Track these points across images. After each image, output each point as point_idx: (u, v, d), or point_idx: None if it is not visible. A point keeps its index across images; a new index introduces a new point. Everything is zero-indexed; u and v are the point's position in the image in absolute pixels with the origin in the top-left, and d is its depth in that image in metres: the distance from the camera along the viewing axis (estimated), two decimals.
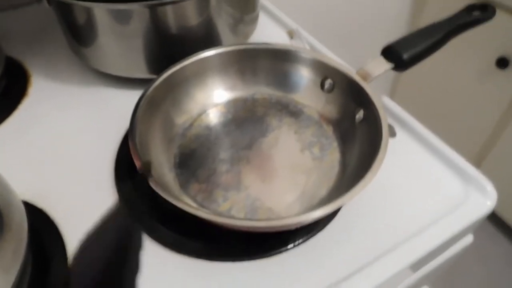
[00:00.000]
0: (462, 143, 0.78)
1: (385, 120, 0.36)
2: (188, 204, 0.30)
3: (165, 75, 0.40)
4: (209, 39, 0.49)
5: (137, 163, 0.33)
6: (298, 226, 0.33)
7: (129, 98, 0.48)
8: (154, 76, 0.47)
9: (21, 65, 0.54)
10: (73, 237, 0.36)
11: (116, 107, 0.48)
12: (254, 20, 0.55)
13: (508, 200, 1.01)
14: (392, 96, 1.32)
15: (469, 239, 0.42)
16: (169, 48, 0.47)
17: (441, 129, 0.47)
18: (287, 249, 0.35)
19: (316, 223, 0.36)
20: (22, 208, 0.32)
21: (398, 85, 1.31)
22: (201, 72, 0.43)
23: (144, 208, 0.37)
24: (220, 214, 0.35)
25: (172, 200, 0.30)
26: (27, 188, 0.39)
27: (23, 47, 0.56)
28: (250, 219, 0.34)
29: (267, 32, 0.58)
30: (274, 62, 0.44)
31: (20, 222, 0.30)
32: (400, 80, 1.29)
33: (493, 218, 1.21)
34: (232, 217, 0.35)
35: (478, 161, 1.16)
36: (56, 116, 0.47)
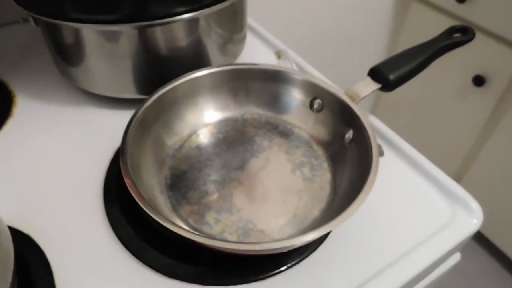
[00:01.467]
0: (441, 160, 0.80)
1: (375, 141, 0.36)
2: (181, 227, 0.30)
3: (156, 95, 0.40)
4: (198, 59, 0.49)
5: (129, 185, 0.33)
6: (291, 248, 0.33)
7: (117, 118, 0.48)
8: (142, 97, 0.47)
9: (5, 85, 0.53)
10: (61, 264, 0.35)
11: (103, 128, 0.48)
12: (242, 40, 0.55)
13: (488, 217, 1.03)
14: (373, 112, 1.35)
15: (456, 257, 0.43)
16: (158, 68, 0.47)
17: (421, 146, 0.48)
18: (281, 271, 0.35)
19: (308, 245, 0.36)
20: (8, 234, 0.31)
21: (379, 103, 1.34)
22: (192, 93, 0.43)
23: (134, 231, 0.37)
24: (213, 237, 0.35)
25: (166, 223, 0.30)
26: (12, 213, 0.38)
27: (7, 67, 0.56)
28: (243, 242, 0.34)
29: (255, 52, 0.58)
30: (264, 83, 0.44)
31: (6, 249, 0.29)
32: (381, 98, 1.31)
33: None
34: (226, 240, 0.34)
35: (457, 178, 1.19)
36: (42, 138, 0.47)
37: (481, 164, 1.12)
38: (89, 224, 0.38)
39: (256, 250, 0.30)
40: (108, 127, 0.48)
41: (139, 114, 0.38)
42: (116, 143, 0.44)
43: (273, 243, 0.29)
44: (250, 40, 0.61)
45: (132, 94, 0.48)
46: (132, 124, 0.37)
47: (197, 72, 0.42)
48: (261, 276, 0.34)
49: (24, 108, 0.50)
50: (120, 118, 0.45)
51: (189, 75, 0.42)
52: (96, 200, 0.40)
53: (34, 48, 0.59)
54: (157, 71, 0.47)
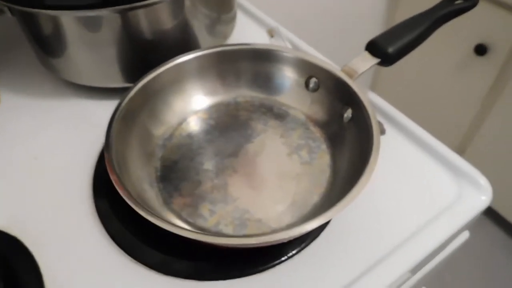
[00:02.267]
0: (443, 133, 0.78)
1: (375, 120, 0.34)
2: (171, 223, 0.28)
3: (140, 84, 0.38)
4: (186, 42, 0.47)
5: (115, 181, 0.31)
6: (291, 239, 0.31)
7: (105, 109, 0.46)
8: (130, 85, 0.45)
9: None
10: (51, 265, 0.34)
11: (91, 120, 0.46)
12: (232, 19, 0.52)
13: (494, 189, 1.01)
14: (372, 89, 1.32)
15: (465, 235, 0.41)
16: (143, 54, 0.44)
17: (421, 119, 0.45)
18: (281, 262, 0.33)
19: (309, 232, 0.34)
20: None
21: (377, 78, 1.30)
22: (178, 79, 0.40)
23: (125, 227, 0.35)
24: (207, 230, 0.33)
25: (154, 219, 0.28)
26: None
27: None
28: (238, 236, 0.32)
29: (246, 32, 0.56)
30: (255, 63, 0.42)
31: None
32: (379, 72, 1.28)
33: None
34: (220, 235, 0.33)
35: (461, 151, 1.16)
36: (28, 134, 0.44)
37: (484, 135, 1.09)
38: (79, 222, 0.36)
39: (254, 244, 0.29)
40: (95, 119, 0.45)
41: (122, 105, 0.36)
42: (104, 134, 0.42)
43: (270, 235, 0.27)
44: (241, 20, 0.58)
45: (119, 83, 0.46)
46: (116, 117, 0.35)
47: (182, 56, 0.40)
48: (261, 268, 0.33)
49: (8, 104, 0.48)
50: (108, 109, 0.43)
51: (173, 60, 0.39)
52: (85, 197, 0.38)
53: (14, 40, 0.56)
54: (143, 57, 0.44)
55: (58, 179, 0.40)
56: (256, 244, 0.28)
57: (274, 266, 0.33)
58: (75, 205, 0.38)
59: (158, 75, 0.39)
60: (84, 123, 0.45)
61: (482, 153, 1.11)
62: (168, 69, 0.39)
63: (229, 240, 0.28)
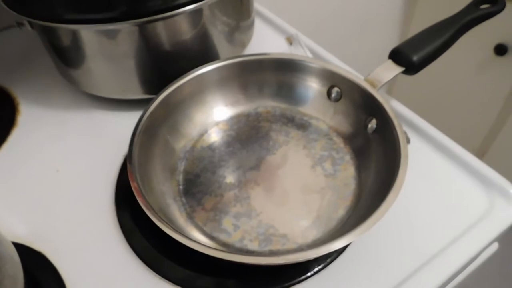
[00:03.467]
0: (463, 135, 0.76)
1: (401, 132, 0.33)
2: (195, 240, 0.28)
3: (161, 97, 0.37)
4: (205, 52, 0.46)
5: (138, 197, 0.30)
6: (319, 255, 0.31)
7: (125, 120, 0.46)
8: (149, 96, 0.45)
9: (7, 92, 0.51)
10: (75, 280, 0.33)
11: (111, 131, 0.46)
12: (250, 27, 0.52)
13: None
14: (389, 92, 1.30)
15: (493, 247, 0.40)
16: (162, 66, 0.44)
17: (441, 122, 0.44)
18: (307, 277, 0.32)
19: None
20: (16, 256, 0.29)
21: (395, 80, 1.28)
22: (198, 90, 0.40)
23: (148, 241, 0.35)
24: (231, 245, 0.33)
25: (177, 236, 0.28)
26: (21, 228, 0.37)
27: (8, 73, 0.53)
28: (266, 256, 0.31)
29: (264, 39, 0.55)
30: (276, 73, 0.41)
31: (14, 275, 0.28)
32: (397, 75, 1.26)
33: None
34: (246, 254, 0.32)
35: (481, 154, 1.14)
36: (48, 146, 0.45)
37: (506, 137, 1.07)
38: (102, 236, 0.36)
39: (282, 263, 0.28)
40: (115, 130, 0.45)
41: (144, 119, 0.36)
42: (125, 146, 0.42)
43: (299, 254, 0.27)
44: (259, 27, 0.57)
45: (138, 95, 0.46)
46: (138, 130, 0.35)
47: (203, 68, 0.40)
48: (287, 285, 0.32)
49: (28, 116, 0.48)
50: (128, 120, 0.43)
51: (194, 72, 0.39)
52: (108, 210, 0.38)
53: (34, 53, 0.56)
54: (162, 68, 0.44)
55: (80, 192, 0.40)
56: (284, 263, 0.28)
57: (300, 282, 0.32)
58: (98, 219, 0.37)
59: (179, 86, 0.38)
60: (104, 135, 0.45)
61: (503, 156, 1.09)
62: (189, 80, 0.39)
63: (256, 260, 0.27)
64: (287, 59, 0.40)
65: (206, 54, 0.46)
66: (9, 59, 0.56)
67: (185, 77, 0.39)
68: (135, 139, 0.34)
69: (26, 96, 0.50)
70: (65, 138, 0.46)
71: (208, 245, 0.29)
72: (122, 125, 0.46)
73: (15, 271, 0.28)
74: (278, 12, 0.58)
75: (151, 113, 0.36)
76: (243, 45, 0.51)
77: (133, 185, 0.31)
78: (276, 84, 0.42)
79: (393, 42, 1.14)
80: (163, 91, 0.38)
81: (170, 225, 0.28)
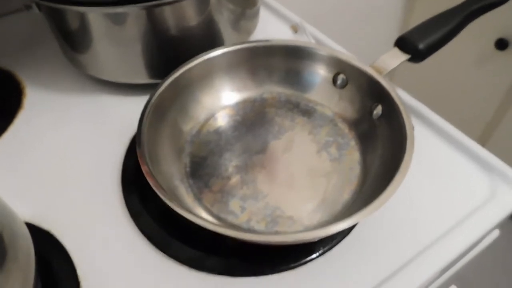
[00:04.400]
0: (463, 127, 0.77)
1: (408, 117, 0.34)
2: (204, 219, 0.28)
3: (170, 79, 0.38)
4: (211, 38, 0.46)
5: (147, 174, 0.31)
6: (326, 236, 0.31)
7: (130, 105, 0.46)
8: (155, 81, 0.45)
9: (13, 76, 0.51)
10: (83, 259, 0.34)
11: (117, 115, 0.46)
12: (255, 15, 0.52)
13: None
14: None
15: (494, 234, 0.40)
16: (169, 50, 0.44)
17: (441, 113, 0.45)
18: (313, 259, 0.33)
19: None
20: (27, 234, 0.29)
21: (396, 71, 1.29)
22: (207, 74, 0.40)
23: (156, 222, 0.35)
24: (239, 227, 0.33)
25: (187, 214, 0.28)
26: (29, 208, 0.37)
27: (14, 57, 0.53)
28: (275, 234, 0.32)
29: (269, 27, 0.55)
30: (284, 59, 0.41)
31: (26, 250, 0.28)
32: (398, 66, 1.26)
33: None
34: (256, 232, 0.32)
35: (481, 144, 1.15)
36: (55, 129, 0.45)
37: (504, 132, 1.08)
38: (109, 217, 0.37)
39: (290, 241, 0.29)
40: (121, 115, 0.46)
41: (153, 100, 0.36)
42: (131, 130, 0.43)
43: (306, 233, 0.27)
44: (264, 15, 0.57)
45: (144, 79, 0.46)
46: (147, 110, 0.35)
47: (212, 52, 0.40)
48: (292, 265, 0.33)
49: (34, 99, 0.48)
50: (133, 105, 0.43)
51: (203, 55, 0.39)
52: (114, 191, 0.38)
53: (40, 36, 0.56)
54: (168, 53, 0.44)
55: (87, 174, 0.40)
56: (292, 242, 0.28)
57: (305, 263, 0.33)
58: (105, 200, 0.38)
59: (188, 70, 0.39)
60: (110, 119, 0.46)
61: (502, 148, 1.10)
62: (197, 64, 0.39)
63: (266, 238, 0.28)
64: (295, 45, 0.41)
65: (212, 41, 0.47)
66: (16, 44, 0.56)
67: (194, 60, 0.39)
68: (144, 119, 0.34)
69: (32, 80, 0.51)
70: (71, 121, 0.46)
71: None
72: (128, 109, 0.46)
73: (27, 248, 0.28)
74: (282, 1, 0.58)
75: (160, 94, 0.36)
76: (249, 32, 0.52)
77: (143, 166, 0.31)
78: (283, 70, 0.42)
79: (395, 31, 1.14)
80: (173, 73, 0.38)
81: (181, 205, 0.29)
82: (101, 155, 0.42)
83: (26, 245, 0.28)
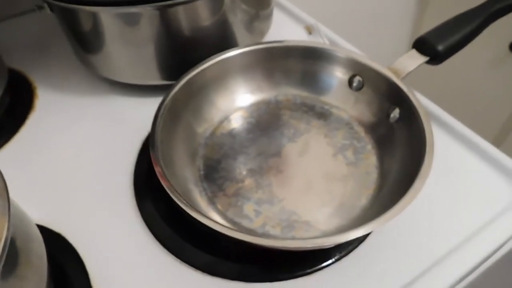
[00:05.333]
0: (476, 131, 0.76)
1: (427, 120, 0.33)
2: (222, 224, 0.28)
3: (185, 80, 0.37)
4: (224, 39, 0.46)
5: (162, 180, 0.30)
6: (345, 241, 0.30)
7: (143, 106, 0.46)
8: (167, 82, 0.44)
9: (24, 77, 0.51)
10: (95, 262, 0.33)
11: (129, 117, 0.45)
12: (269, 16, 0.51)
13: None
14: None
15: None
16: (182, 52, 0.44)
17: (455, 116, 0.44)
18: (329, 265, 0.32)
19: None
20: (40, 238, 0.29)
21: (409, 76, 1.28)
22: (221, 75, 0.40)
23: (170, 227, 0.35)
24: (253, 231, 0.33)
25: (202, 219, 0.28)
26: (41, 211, 0.37)
27: (25, 58, 0.53)
28: (293, 239, 0.31)
29: (283, 28, 0.55)
30: (301, 61, 0.41)
31: (39, 253, 0.28)
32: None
33: None
34: (273, 237, 0.32)
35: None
36: (66, 131, 0.44)
37: None
38: (122, 220, 0.36)
39: (308, 248, 0.28)
40: (133, 116, 0.45)
41: (167, 101, 0.35)
42: (143, 132, 0.42)
43: (325, 238, 0.27)
44: (277, 16, 0.57)
45: (157, 80, 0.46)
46: (161, 112, 0.34)
47: (227, 52, 0.39)
48: (308, 271, 0.32)
49: (46, 100, 0.48)
50: (145, 106, 0.43)
51: (218, 56, 0.39)
52: (126, 194, 0.38)
53: (52, 37, 0.56)
54: (181, 54, 0.44)
55: (99, 176, 0.40)
56: (310, 248, 0.27)
57: (322, 268, 0.32)
58: (117, 203, 0.37)
59: (202, 70, 0.38)
60: (122, 120, 0.45)
61: None
62: (212, 64, 0.39)
63: (284, 243, 0.27)
64: (312, 47, 0.40)
65: (225, 42, 0.46)
66: (27, 44, 0.56)
67: (208, 61, 0.38)
68: (158, 120, 0.33)
69: (43, 81, 0.50)
70: (83, 122, 0.45)
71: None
72: (140, 111, 0.45)
73: (40, 250, 0.28)
74: (296, 2, 0.58)
75: (174, 94, 0.36)
76: (262, 34, 0.51)
77: (157, 168, 0.31)
78: (298, 72, 0.41)
79: (407, 33, 1.13)
80: (187, 74, 0.38)
81: (196, 209, 0.28)
82: (113, 158, 0.41)
83: (38, 248, 0.28)
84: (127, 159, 0.41)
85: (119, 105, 0.47)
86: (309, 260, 0.32)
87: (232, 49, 0.40)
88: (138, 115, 0.45)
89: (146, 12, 0.40)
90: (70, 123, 0.45)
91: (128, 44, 0.43)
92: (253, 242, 0.26)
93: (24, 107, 0.47)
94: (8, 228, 0.21)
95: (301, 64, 0.41)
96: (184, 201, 0.28)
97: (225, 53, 0.39)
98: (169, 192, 0.29)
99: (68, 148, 0.43)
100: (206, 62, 0.38)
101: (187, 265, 0.33)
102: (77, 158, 0.42)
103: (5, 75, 0.48)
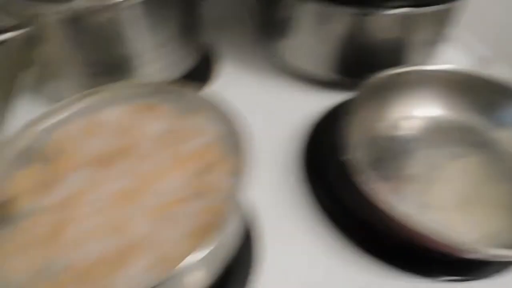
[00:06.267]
0: None
1: None
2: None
3: (372, 80, 0.41)
4: (398, 54, 0.48)
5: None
6: None
7: (314, 98, 0.50)
8: (344, 80, 0.49)
9: (212, 50, 0.57)
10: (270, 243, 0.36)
11: (301, 105, 0.49)
12: (445, 41, 0.53)
13: None
14: None
15: None
16: (366, 56, 0.47)
17: None
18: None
19: None
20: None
21: None
22: (411, 83, 0.43)
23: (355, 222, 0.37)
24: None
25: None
26: None
27: (214, 32, 0.58)
28: None
29: (453, 56, 0.56)
30: (481, 90, 0.43)
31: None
32: None
33: None
34: None
35: None
36: (240, 105, 0.47)
37: None
38: (291, 195, 0.40)
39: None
40: (304, 105, 0.49)
41: (356, 97, 0.39)
42: (310, 121, 0.46)
43: None
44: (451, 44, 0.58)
45: (333, 76, 0.50)
46: (351, 106, 0.38)
47: (426, 66, 0.43)
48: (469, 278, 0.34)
49: (226, 73, 0.53)
50: (320, 100, 0.48)
51: (415, 66, 0.43)
52: (296, 176, 0.41)
53: (241, 18, 0.62)
54: (364, 58, 0.47)
55: (270, 155, 0.43)
56: None
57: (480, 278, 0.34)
58: (288, 183, 0.41)
59: (397, 74, 0.42)
60: (293, 106, 0.49)
61: None
62: (406, 72, 0.42)
63: None
64: (498, 82, 0.42)
65: (397, 57, 0.49)
66: (219, 21, 0.61)
67: (405, 67, 0.42)
68: (350, 108, 0.38)
69: (226, 56, 0.56)
70: (256, 99, 0.49)
71: None
72: (310, 101, 0.49)
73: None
74: (470, 30, 0.58)
75: (363, 91, 0.40)
76: (434, 57, 0.52)
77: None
78: (477, 100, 0.43)
79: None
80: (381, 73, 0.41)
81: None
82: (283, 140, 0.45)
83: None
84: (295, 145, 0.44)
85: (294, 91, 0.51)
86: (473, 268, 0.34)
87: (429, 65, 0.43)
88: (308, 104, 0.49)
89: (348, 14, 0.43)
90: (245, 98, 0.45)
91: (319, 38, 0.47)
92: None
93: (206, 77, 0.53)
94: None
95: (481, 94, 0.43)
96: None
97: (421, 66, 0.43)
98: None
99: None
100: (397, 68, 0.42)
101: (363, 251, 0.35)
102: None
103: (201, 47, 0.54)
